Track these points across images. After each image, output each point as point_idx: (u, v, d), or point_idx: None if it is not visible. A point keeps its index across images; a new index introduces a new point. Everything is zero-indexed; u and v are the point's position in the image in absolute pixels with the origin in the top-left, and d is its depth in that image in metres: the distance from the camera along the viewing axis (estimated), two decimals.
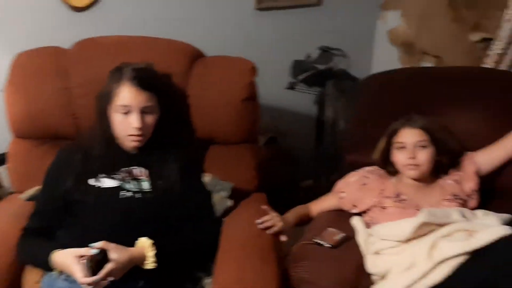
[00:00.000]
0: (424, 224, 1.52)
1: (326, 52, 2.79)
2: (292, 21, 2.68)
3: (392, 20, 2.85)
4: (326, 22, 2.80)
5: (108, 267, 1.33)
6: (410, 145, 1.69)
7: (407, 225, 1.55)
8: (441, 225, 1.52)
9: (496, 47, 2.22)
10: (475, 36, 2.37)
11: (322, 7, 2.74)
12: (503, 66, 2.24)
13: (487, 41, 2.34)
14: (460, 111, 1.85)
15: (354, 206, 1.79)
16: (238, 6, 2.49)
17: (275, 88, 2.77)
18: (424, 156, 1.68)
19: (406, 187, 1.74)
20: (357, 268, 1.55)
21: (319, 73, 2.75)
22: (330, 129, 2.80)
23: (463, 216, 1.57)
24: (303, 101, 2.88)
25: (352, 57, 2.94)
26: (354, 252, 1.61)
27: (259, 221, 1.57)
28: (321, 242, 1.58)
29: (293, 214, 1.78)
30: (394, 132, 1.74)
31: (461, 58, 2.45)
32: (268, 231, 1.57)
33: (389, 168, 1.79)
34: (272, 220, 1.60)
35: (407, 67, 2.41)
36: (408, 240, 1.56)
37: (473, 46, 2.40)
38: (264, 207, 1.64)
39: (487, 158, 1.73)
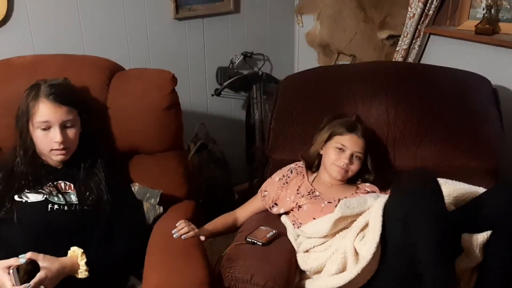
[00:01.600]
0: (342, 218, 1.62)
1: (249, 57, 2.89)
2: (212, 29, 2.76)
3: (308, 23, 2.99)
4: (247, 28, 2.91)
5: (39, 275, 1.36)
6: (351, 152, 1.79)
7: (326, 220, 1.65)
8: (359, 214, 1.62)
9: (403, 43, 2.41)
10: (383, 34, 2.54)
11: (240, 14, 2.84)
12: (409, 60, 2.42)
13: (393, 38, 2.52)
14: (370, 104, 1.98)
15: (276, 204, 1.87)
16: (157, 18, 2.54)
17: (202, 96, 2.85)
18: (356, 167, 1.81)
19: (321, 185, 1.85)
20: (289, 264, 1.62)
21: (243, 78, 2.85)
22: (259, 132, 2.90)
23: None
24: (231, 106, 2.98)
25: (275, 60, 3.07)
26: (286, 248, 1.69)
27: (174, 231, 1.60)
28: (253, 240, 1.66)
29: (211, 224, 1.84)
30: (340, 133, 1.83)
31: (373, 55, 2.61)
32: (183, 237, 1.59)
33: (314, 161, 1.89)
34: (186, 227, 1.62)
35: (320, 67, 2.54)
36: (332, 234, 1.65)
37: (382, 43, 2.57)
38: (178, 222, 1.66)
39: None
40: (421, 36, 2.37)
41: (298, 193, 1.83)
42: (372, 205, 1.61)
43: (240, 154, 3.01)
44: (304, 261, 1.65)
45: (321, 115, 1.92)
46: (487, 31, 2.12)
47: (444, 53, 2.35)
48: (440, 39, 2.37)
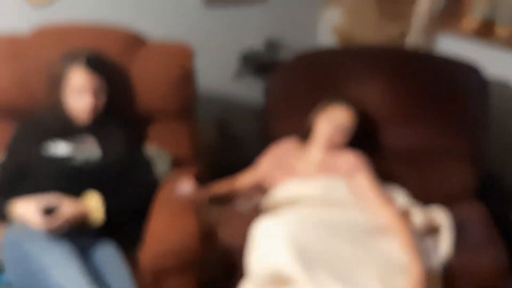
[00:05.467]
0: None
1: (273, 44, 3.16)
2: (239, 15, 3.04)
3: (333, 16, 3.23)
4: (272, 17, 3.18)
5: (63, 212, 1.67)
6: (337, 121, 2.02)
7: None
8: None
9: (411, 39, 2.65)
10: (396, 29, 2.78)
11: (267, 3, 3.12)
12: None
13: (404, 34, 2.76)
14: (363, 85, 2.23)
15: (267, 181, 2.13)
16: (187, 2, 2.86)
17: (225, 79, 3.12)
18: (342, 138, 2.05)
19: (308, 163, 2.08)
20: None
21: (266, 64, 3.09)
22: None
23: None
24: (252, 90, 3.19)
25: (298, 49, 3.32)
26: None
27: (177, 188, 1.94)
28: (242, 207, 1.99)
29: (212, 187, 2.13)
30: (329, 104, 2.07)
31: None
32: (184, 194, 1.93)
33: (307, 134, 2.12)
34: (188, 186, 1.95)
35: (331, 48, 2.85)
36: None
37: (396, 39, 2.80)
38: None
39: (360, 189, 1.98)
40: (427, 35, 2.61)
41: (282, 171, 2.08)
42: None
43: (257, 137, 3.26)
44: None
45: (320, 94, 2.16)
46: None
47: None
48: (447, 39, 2.61)
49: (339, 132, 2.04)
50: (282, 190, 2.01)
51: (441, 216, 1.91)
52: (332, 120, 2.04)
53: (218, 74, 3.06)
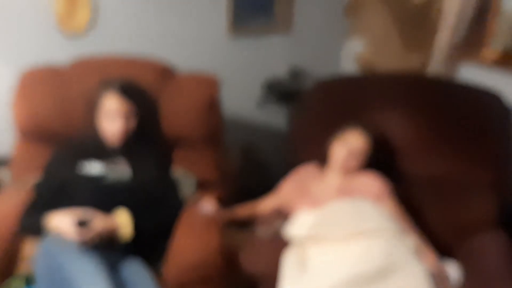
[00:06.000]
0: None
1: (296, 73, 3.30)
2: (264, 45, 3.19)
3: (356, 45, 3.36)
4: (296, 47, 3.31)
5: (95, 226, 1.77)
6: (351, 145, 2.07)
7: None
8: None
9: (433, 68, 2.73)
10: (418, 58, 2.87)
11: (291, 34, 3.26)
12: None
13: (426, 63, 2.84)
14: (388, 113, 2.27)
15: (287, 206, 2.17)
16: (213, 33, 3.00)
17: (249, 106, 3.25)
18: (356, 162, 2.10)
19: (326, 187, 2.13)
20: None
21: (289, 92, 3.23)
22: None
23: None
24: (276, 117, 3.34)
25: (321, 77, 3.40)
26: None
27: (200, 207, 2.05)
28: (263, 234, 2.06)
29: (234, 210, 2.21)
30: (345, 129, 2.11)
31: None
32: (206, 213, 2.03)
33: (324, 159, 2.17)
34: (210, 206, 2.05)
35: (351, 76, 2.87)
36: None
37: (418, 68, 2.90)
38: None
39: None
40: (449, 65, 2.69)
41: (302, 196, 2.13)
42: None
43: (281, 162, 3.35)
44: None
45: (342, 120, 2.19)
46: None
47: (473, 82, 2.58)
48: (468, 68, 2.68)
49: (352, 155, 2.08)
50: (306, 222, 2.01)
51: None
52: (346, 144, 2.09)
53: (243, 102, 3.20)
